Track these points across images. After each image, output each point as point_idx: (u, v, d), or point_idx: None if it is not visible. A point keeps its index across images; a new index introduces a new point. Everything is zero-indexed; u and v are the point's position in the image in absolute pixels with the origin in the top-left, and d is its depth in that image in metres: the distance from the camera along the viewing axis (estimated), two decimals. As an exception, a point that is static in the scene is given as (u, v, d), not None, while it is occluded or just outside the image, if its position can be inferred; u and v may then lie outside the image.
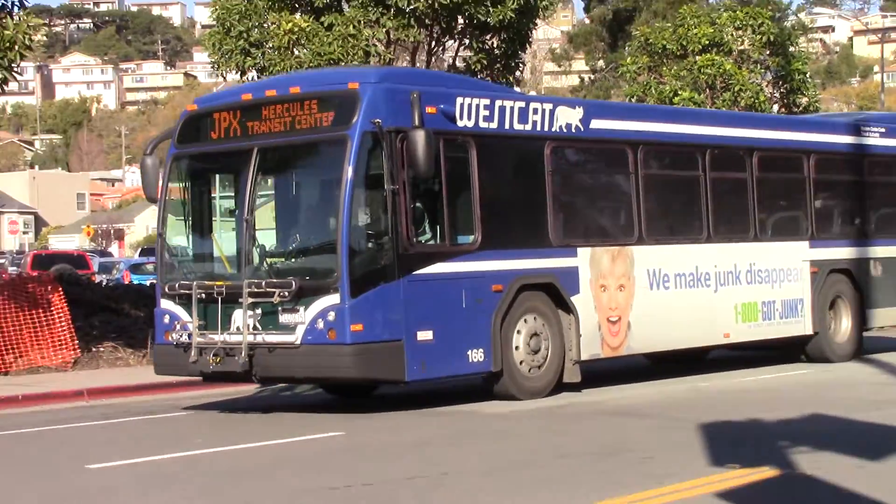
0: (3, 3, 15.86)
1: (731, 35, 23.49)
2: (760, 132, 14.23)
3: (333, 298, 10.00)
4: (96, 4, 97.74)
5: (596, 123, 12.07)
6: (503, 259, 11.01)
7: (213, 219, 11.65)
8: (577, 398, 11.70)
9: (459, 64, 21.37)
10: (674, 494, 6.59)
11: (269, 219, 11.25)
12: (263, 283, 10.37)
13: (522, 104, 11.54)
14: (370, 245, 10.50)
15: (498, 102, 11.28)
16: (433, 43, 20.94)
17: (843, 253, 14.62)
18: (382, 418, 10.91)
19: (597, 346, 11.64)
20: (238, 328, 10.45)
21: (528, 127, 11.43)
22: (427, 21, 19.45)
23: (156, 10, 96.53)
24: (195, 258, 11.74)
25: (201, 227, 11.60)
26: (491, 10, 18.76)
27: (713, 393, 12.17)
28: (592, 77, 49.62)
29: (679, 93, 22.86)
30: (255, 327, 10.38)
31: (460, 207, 11.16)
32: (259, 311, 10.39)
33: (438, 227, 10.93)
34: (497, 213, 11.13)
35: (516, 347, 11.08)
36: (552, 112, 11.61)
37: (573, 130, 11.79)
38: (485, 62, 20.34)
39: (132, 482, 7.68)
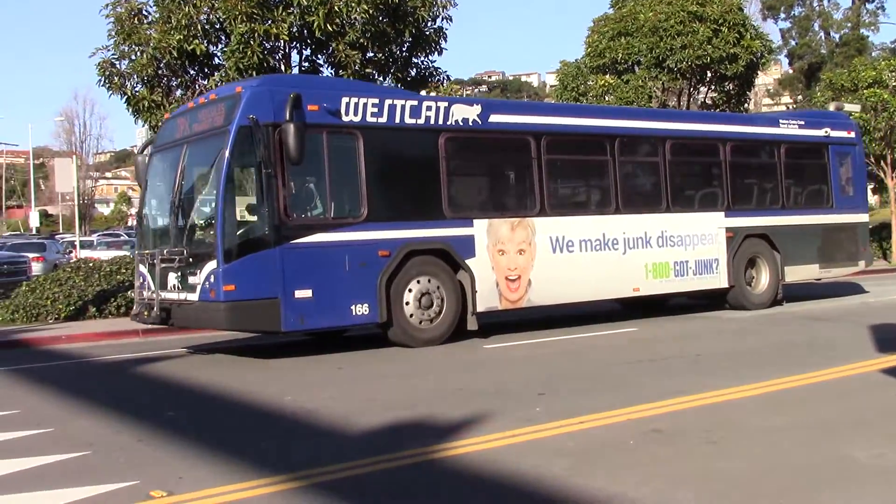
0: (438, 78, 21.68)
1: (888, 75, 33.10)
2: (671, 124, 15.92)
3: (214, 264, 11.23)
4: (489, 76, 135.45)
5: (495, 118, 13.54)
6: (391, 229, 12.25)
7: (164, 202, 12.90)
8: (788, 309, 16.23)
9: (708, 101, 30.15)
10: (850, 371, 9.37)
11: (190, 201, 12.32)
12: (166, 252, 12.07)
13: (415, 102, 12.82)
14: (245, 219, 11.62)
15: (388, 101, 12.54)
16: (691, 89, 30.04)
17: (760, 221, 16.43)
18: (660, 321, 15.15)
19: (494, 300, 13.13)
20: (168, 287, 12.07)
21: (422, 121, 12.78)
22: (688, 75, 28.67)
23: (523, 78, 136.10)
24: (149, 233, 13.21)
25: (155, 209, 13.39)
26: (729, 66, 27.67)
27: (878, 306, 16.55)
28: (794, 107, 62.87)
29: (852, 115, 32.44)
30: (176, 287, 11.92)
31: (346, 187, 12.33)
32: (179, 274, 11.88)
33: (322, 203, 12.05)
34: (385, 192, 12.35)
35: (406, 303, 12.34)
36: (447, 109, 13.04)
37: (470, 124, 13.21)
38: (724, 100, 30.03)
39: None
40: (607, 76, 30.00)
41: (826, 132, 17.82)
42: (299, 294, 11.45)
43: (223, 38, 19.64)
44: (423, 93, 19.94)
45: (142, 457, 6.75)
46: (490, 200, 14.16)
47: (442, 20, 21.25)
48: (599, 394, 8.63)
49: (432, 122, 12.95)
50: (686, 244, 15.45)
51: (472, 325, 12.95)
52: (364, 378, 10.45)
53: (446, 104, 13.21)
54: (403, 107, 12.73)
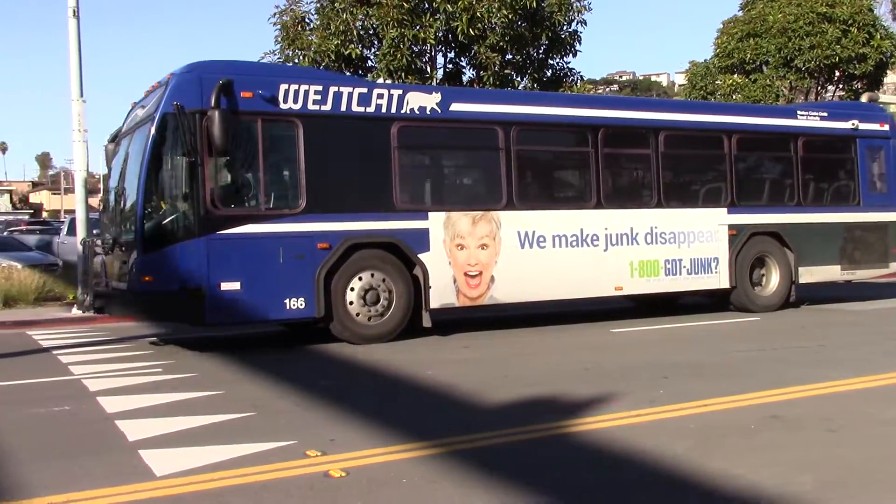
0: (572, 79, 21.76)
1: None
2: (666, 115, 13.97)
3: (135, 255, 10.55)
4: (620, 75, 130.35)
5: (458, 107, 12.04)
6: (332, 221, 11.04)
7: (111, 191, 12.18)
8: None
9: (836, 100, 28.03)
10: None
11: (125, 190, 11.50)
12: (103, 241, 11.73)
13: (364, 90, 11.50)
14: (166, 209, 10.59)
15: (333, 88, 11.27)
16: (819, 88, 29.34)
17: (770, 218, 14.45)
18: (783, 314, 14.34)
19: (451, 296, 11.76)
20: (107, 275, 11.54)
21: (372, 109, 11.45)
22: (816, 75, 28.05)
23: (653, 77, 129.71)
24: (103, 221, 12.70)
25: (109, 197, 12.33)
26: (857, 66, 26.93)
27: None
28: (922, 99, 60.81)
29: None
30: (112, 276, 11.36)
31: (284, 177, 11.39)
32: (114, 263, 11.35)
33: (255, 194, 10.92)
34: (327, 183, 11.10)
35: (349, 299, 11.16)
36: (401, 97, 11.66)
37: (428, 112, 11.76)
38: (851, 98, 28.36)
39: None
40: (735, 76, 29.22)
41: (854, 125, 15.55)
42: (226, 286, 10.43)
43: (376, 42, 20.07)
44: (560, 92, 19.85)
45: (299, 419, 7.03)
46: (449, 193, 12.87)
47: (577, 24, 21.05)
48: (719, 379, 8.42)
49: (384, 110, 11.58)
50: (680, 241, 13.65)
51: (426, 321, 11.63)
52: (492, 356, 10.52)
53: (400, 92, 11.82)
54: (351, 94, 11.41)
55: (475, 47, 19.68)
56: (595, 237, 12.99)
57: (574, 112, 13.22)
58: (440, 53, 20.75)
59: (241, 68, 11.13)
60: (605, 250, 13.06)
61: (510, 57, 20.54)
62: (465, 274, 11.93)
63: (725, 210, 14.20)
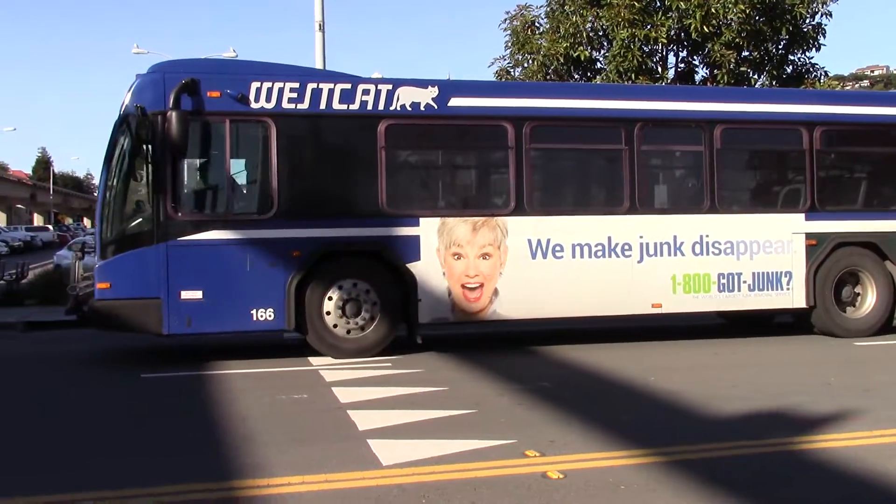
0: (815, 74, 19.79)
1: None
2: (724, 105, 11.94)
3: (98, 261, 10.18)
4: (871, 70, 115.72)
5: (458, 102, 10.82)
6: (307, 228, 10.26)
7: None
8: None
9: None
10: None
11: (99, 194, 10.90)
12: (79, 246, 11.47)
13: (347, 86, 10.50)
14: (125, 214, 10.25)
15: (311, 85, 10.39)
16: None
17: (863, 226, 12.06)
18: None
19: (444, 310, 10.63)
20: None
21: (356, 106, 10.49)
22: None
23: None
24: None
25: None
26: None
27: None
28: None
29: None
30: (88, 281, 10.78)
31: (254, 180, 10.66)
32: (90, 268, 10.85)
33: (222, 198, 10.34)
34: (303, 186, 10.37)
35: (327, 312, 10.31)
36: (391, 93, 10.61)
37: (422, 109, 10.67)
38: None
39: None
40: None
41: None
42: (186, 295, 9.88)
43: (605, 43, 19.85)
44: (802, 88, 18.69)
45: (519, 419, 7.09)
46: (445, 196, 11.60)
47: (821, 16, 19.73)
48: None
49: (370, 107, 10.56)
50: (739, 252, 11.58)
51: (415, 338, 10.63)
52: (732, 365, 10.08)
53: (390, 87, 10.70)
54: (332, 91, 10.46)
55: (709, 45, 18.99)
56: (627, 247, 11.26)
57: (604, 105, 11.50)
58: (671, 53, 20.20)
59: (209, 66, 10.65)
60: (640, 261, 11.28)
61: (746, 54, 19.60)
62: (464, 286, 10.71)
63: (802, 216, 11.90)
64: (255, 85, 10.21)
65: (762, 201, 12.57)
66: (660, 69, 19.53)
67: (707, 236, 11.53)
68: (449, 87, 10.96)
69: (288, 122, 10.30)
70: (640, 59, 18.46)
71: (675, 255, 11.39)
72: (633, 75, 18.39)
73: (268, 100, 10.24)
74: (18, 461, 6.12)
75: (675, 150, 12.37)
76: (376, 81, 10.91)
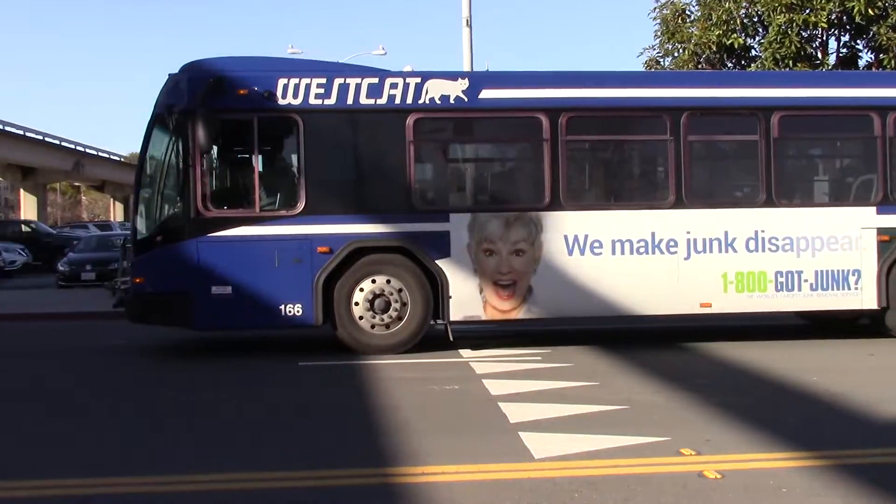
0: None
1: None
2: (783, 91, 11.05)
3: (133, 256, 10.58)
4: None
5: (489, 94, 10.49)
6: (333, 223, 10.20)
7: None
8: None
9: None
10: None
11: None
12: (124, 241, 11.52)
13: (374, 80, 10.34)
14: (157, 211, 10.52)
15: (338, 80, 10.26)
16: None
17: None
18: None
19: (476, 308, 10.38)
20: None
21: (383, 101, 10.32)
22: None
23: None
24: None
25: None
26: None
27: None
28: None
29: None
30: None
31: (281, 176, 10.73)
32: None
33: (250, 195, 10.37)
34: (331, 182, 10.31)
35: (355, 305, 10.24)
36: (419, 86, 10.39)
37: (452, 101, 10.40)
38: None
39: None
40: None
41: None
42: (216, 291, 10.00)
43: (761, 30, 19.09)
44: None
45: (673, 416, 6.94)
46: (475, 192, 11.35)
47: None
48: None
49: (397, 101, 10.36)
50: (799, 249, 10.75)
51: (448, 335, 10.45)
52: (894, 367, 9.50)
53: (418, 80, 10.47)
54: (359, 86, 10.31)
55: (874, 28, 17.94)
56: (672, 243, 10.64)
57: (647, 93, 10.90)
58: (832, 37, 19.19)
59: (238, 64, 10.58)
60: (687, 258, 10.66)
61: (916, 36, 18.41)
62: (496, 283, 10.42)
63: (874, 209, 10.93)
64: (282, 81, 10.21)
65: (826, 194, 11.76)
66: (819, 55, 18.61)
67: (762, 232, 10.78)
68: (480, 79, 10.78)
69: (315, 117, 10.27)
70: (798, 45, 17.68)
71: (727, 251, 10.72)
72: (790, 62, 17.62)
73: (295, 96, 10.23)
74: (211, 440, 6.48)
75: (726, 140, 11.65)
76: (404, 75, 10.73)
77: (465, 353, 10.29)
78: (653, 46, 20.57)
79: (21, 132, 52.28)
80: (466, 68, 18.07)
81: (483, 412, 7.18)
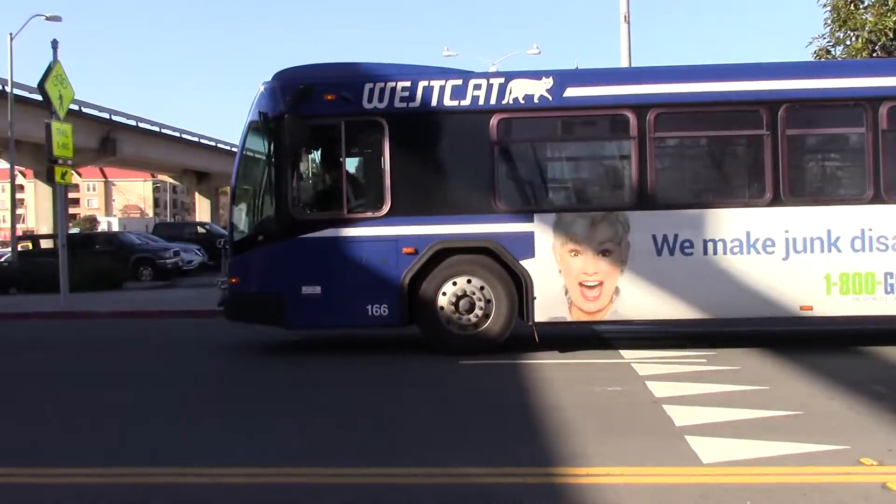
0: None
1: None
2: (887, 80, 10.22)
3: (230, 258, 10.93)
4: None
5: (574, 92, 10.31)
6: (418, 225, 10.31)
7: None
8: None
9: None
10: None
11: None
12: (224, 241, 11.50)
13: (458, 82, 10.39)
14: (252, 214, 10.95)
15: (422, 83, 10.39)
16: None
17: None
18: None
19: (561, 309, 10.25)
20: None
21: (467, 102, 10.35)
22: None
23: None
24: None
25: None
26: None
27: None
28: None
29: None
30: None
31: (368, 179, 11.03)
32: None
33: (338, 197, 10.51)
34: (416, 184, 10.38)
35: (441, 307, 10.36)
36: (503, 86, 10.36)
37: (536, 101, 10.31)
38: None
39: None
40: None
41: None
42: (307, 291, 10.23)
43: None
44: None
45: (851, 424, 6.63)
46: (560, 191, 11.09)
47: None
48: None
49: (481, 102, 10.31)
50: None
51: (535, 336, 10.35)
52: None
53: (502, 80, 10.39)
54: (443, 88, 10.34)
55: None
56: (769, 242, 10.12)
57: (740, 87, 10.30)
58: None
59: (326, 71, 10.74)
60: (785, 258, 10.11)
61: None
62: (581, 284, 10.23)
63: None
64: (367, 86, 10.40)
65: None
66: None
67: (870, 230, 10.11)
68: (564, 77, 10.49)
69: (400, 120, 10.39)
70: None
71: (830, 251, 10.12)
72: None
73: (380, 100, 10.40)
74: (384, 436, 6.72)
75: (828, 133, 11.00)
76: (488, 76, 10.75)
77: (627, 353, 10.16)
78: (822, 35, 19.62)
79: (196, 139, 55.57)
80: (624, 64, 17.78)
81: (647, 415, 7.09)
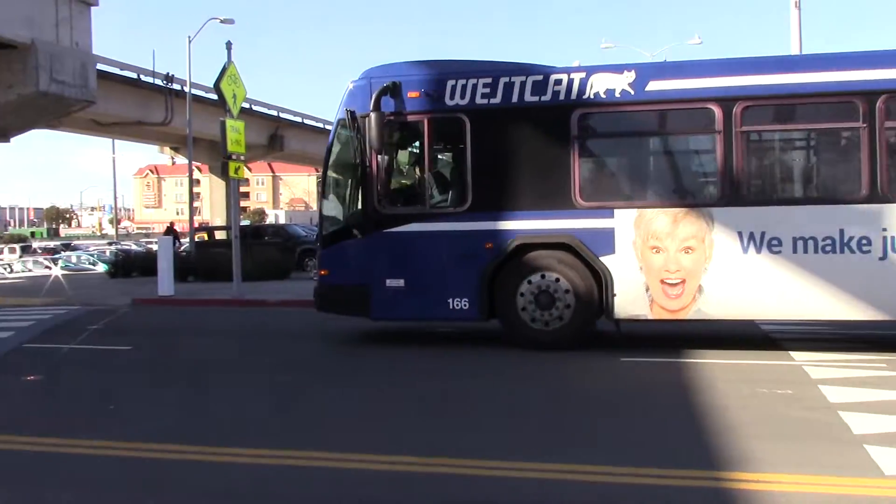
0: None
1: None
2: None
3: (320, 250, 11.29)
4: None
5: (657, 85, 9.97)
6: (499, 220, 10.33)
7: None
8: None
9: None
10: None
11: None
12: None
13: (539, 78, 10.26)
14: (340, 209, 11.21)
15: (504, 79, 10.33)
16: None
17: None
18: None
19: (642, 306, 10.03)
20: None
21: (548, 97, 10.22)
22: None
23: None
24: None
25: None
26: None
27: None
28: None
29: None
30: None
31: (450, 175, 10.95)
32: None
33: (421, 193, 10.75)
34: (497, 180, 10.36)
35: (520, 302, 10.36)
36: (584, 81, 10.14)
37: (618, 95, 10.04)
38: None
39: None
40: None
41: None
42: (391, 283, 10.54)
43: None
44: None
45: None
46: (641, 187, 10.66)
47: None
48: None
49: (562, 97, 10.20)
50: None
51: (619, 328, 10.55)
52: None
53: (583, 75, 10.20)
54: (524, 83, 10.28)
55: None
56: (865, 241, 9.44)
57: (835, 77, 9.55)
58: None
59: (411, 69, 10.80)
60: (883, 258, 9.39)
61: None
62: (663, 282, 9.98)
63: None
64: (450, 83, 10.51)
65: None
66: None
67: None
68: (647, 71, 10.26)
69: (481, 117, 10.43)
70: None
71: None
72: None
73: (462, 96, 10.49)
74: (555, 432, 6.73)
75: None
76: (569, 70, 10.46)
77: (798, 356, 9.67)
78: None
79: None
80: (795, 51, 16.99)
81: (820, 420, 6.74)
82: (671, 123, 10.57)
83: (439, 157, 11.42)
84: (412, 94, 10.64)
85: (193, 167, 34.68)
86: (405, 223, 10.72)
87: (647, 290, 10.11)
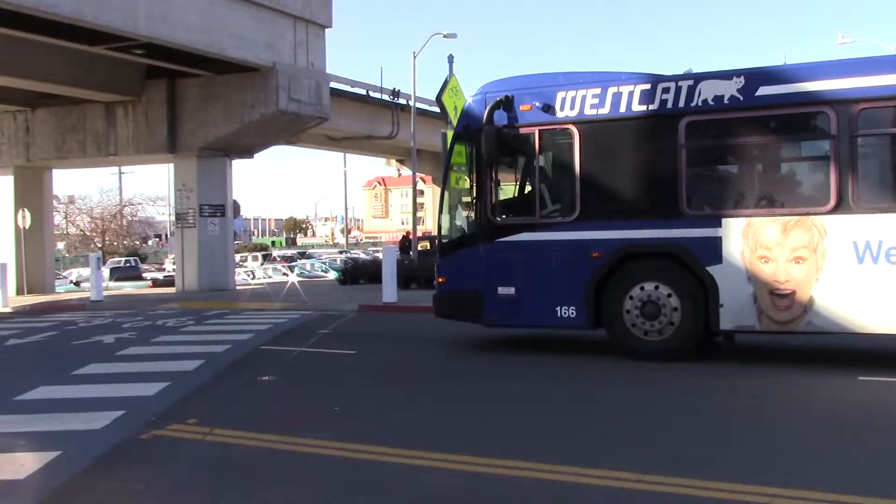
0: None
1: None
2: None
3: (438, 259, 11.73)
4: None
5: (767, 90, 9.61)
6: (606, 230, 10.39)
7: None
8: None
9: None
10: None
11: None
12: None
13: (646, 86, 10.24)
14: (457, 219, 11.98)
15: (612, 90, 10.40)
16: None
17: None
18: None
19: (750, 318, 9.73)
20: None
21: (655, 106, 10.20)
22: None
23: None
24: None
25: None
26: None
27: None
28: None
29: None
30: None
31: (559, 185, 11.17)
32: None
33: (531, 203, 11.01)
34: (605, 189, 10.46)
35: (627, 311, 10.35)
36: (692, 88, 10.04)
37: (726, 101, 9.82)
38: None
39: None
40: None
41: None
42: (502, 291, 10.93)
43: None
44: None
45: None
46: (750, 195, 10.23)
47: None
48: None
49: (669, 105, 10.16)
50: None
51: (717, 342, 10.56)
52: None
53: (691, 82, 10.10)
54: (631, 93, 10.34)
55: None
56: None
57: None
58: None
59: (523, 82, 11.12)
60: None
61: None
62: (772, 293, 9.69)
63: None
64: (560, 95, 10.73)
65: None
66: None
67: None
68: (756, 76, 9.88)
69: (590, 127, 10.60)
70: None
71: None
72: None
73: (572, 108, 10.68)
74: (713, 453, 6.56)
75: None
76: (677, 78, 10.38)
77: None
78: None
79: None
80: None
81: None
82: (781, 129, 10.23)
83: (549, 167, 11.56)
84: (524, 108, 11.00)
85: (417, 178, 36.03)
86: (516, 233, 11.07)
87: (756, 300, 9.87)
